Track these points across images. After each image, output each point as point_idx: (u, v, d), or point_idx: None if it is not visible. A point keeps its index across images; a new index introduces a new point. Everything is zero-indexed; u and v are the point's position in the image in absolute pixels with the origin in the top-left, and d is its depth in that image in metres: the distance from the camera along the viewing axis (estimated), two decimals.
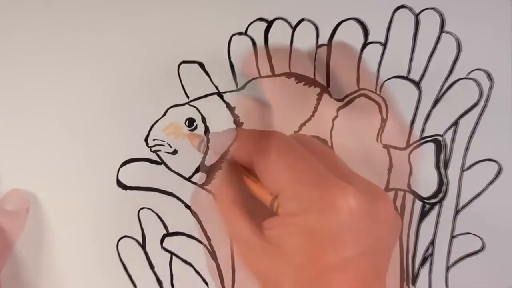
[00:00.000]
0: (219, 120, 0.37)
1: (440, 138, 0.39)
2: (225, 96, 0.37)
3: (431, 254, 0.39)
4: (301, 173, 0.25)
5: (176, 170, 0.37)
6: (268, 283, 0.24)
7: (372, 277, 0.24)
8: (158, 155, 0.37)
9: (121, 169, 0.37)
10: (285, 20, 0.38)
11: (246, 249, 0.25)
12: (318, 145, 0.28)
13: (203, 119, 0.37)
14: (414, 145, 0.38)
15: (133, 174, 0.37)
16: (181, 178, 0.37)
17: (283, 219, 0.25)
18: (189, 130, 0.37)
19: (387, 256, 0.26)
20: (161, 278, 0.37)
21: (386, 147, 0.38)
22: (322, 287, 0.23)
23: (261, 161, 0.26)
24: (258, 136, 0.27)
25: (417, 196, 0.38)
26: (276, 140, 0.26)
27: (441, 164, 0.39)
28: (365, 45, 0.38)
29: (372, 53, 0.38)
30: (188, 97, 0.37)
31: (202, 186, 0.37)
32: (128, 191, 0.37)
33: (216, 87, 0.38)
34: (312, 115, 0.38)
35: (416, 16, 0.38)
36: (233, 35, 0.38)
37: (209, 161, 0.37)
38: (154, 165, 0.37)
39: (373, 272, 0.25)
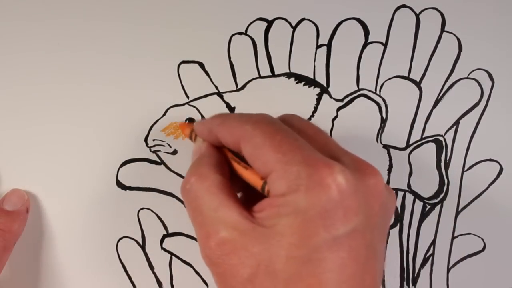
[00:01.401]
0: None
1: (441, 138, 0.38)
2: (225, 96, 0.37)
3: (432, 255, 0.39)
4: (288, 153, 0.24)
5: (176, 170, 0.37)
6: (261, 266, 0.24)
7: (367, 254, 0.24)
8: (158, 155, 0.37)
9: (121, 169, 0.37)
10: (285, 20, 0.38)
11: (236, 233, 0.25)
12: (306, 124, 0.28)
13: (203, 119, 0.37)
14: (415, 145, 0.38)
15: (133, 174, 0.37)
16: (181, 178, 0.37)
17: (272, 200, 0.24)
18: None
19: (382, 233, 0.26)
20: (160, 278, 0.37)
21: (386, 147, 0.38)
22: (316, 267, 0.23)
23: (248, 145, 0.26)
24: (244, 119, 0.27)
25: (417, 196, 0.38)
26: (261, 122, 0.26)
27: (442, 164, 0.38)
28: (365, 45, 0.38)
29: (372, 53, 0.38)
30: (188, 97, 0.37)
31: None
32: (128, 191, 0.37)
33: (216, 87, 0.38)
34: (312, 115, 0.38)
35: (417, 15, 0.38)
36: (233, 35, 0.37)
37: None
38: (154, 165, 0.37)
39: (367, 249, 0.24)
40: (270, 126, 0.26)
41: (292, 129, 0.26)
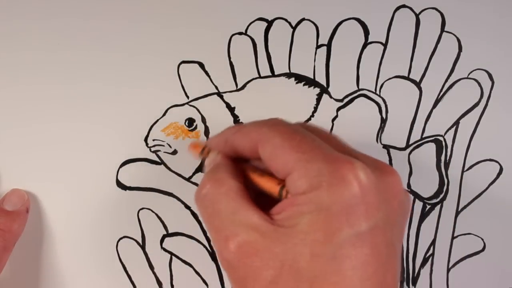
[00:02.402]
0: (219, 120, 0.37)
1: (441, 138, 0.38)
2: (225, 96, 0.37)
3: (432, 255, 0.39)
4: (308, 152, 0.24)
5: (176, 170, 0.37)
6: (284, 267, 0.24)
7: (388, 252, 0.24)
8: (158, 155, 0.37)
9: (121, 169, 0.37)
10: (285, 20, 0.38)
11: (257, 236, 0.24)
12: (320, 129, 0.28)
13: (203, 119, 0.37)
14: (414, 145, 0.38)
15: (133, 174, 0.37)
16: (181, 178, 0.37)
17: (293, 199, 0.24)
18: (189, 130, 0.37)
19: (400, 231, 0.26)
20: (160, 278, 0.37)
21: (386, 147, 0.38)
22: (340, 264, 0.23)
23: (267, 146, 0.26)
24: (260, 124, 0.27)
25: (417, 196, 0.38)
26: (278, 124, 0.26)
27: (442, 164, 0.38)
28: (365, 45, 0.38)
29: (372, 53, 0.38)
30: (188, 97, 0.37)
31: None
32: (128, 191, 0.37)
33: (216, 87, 0.38)
34: (312, 115, 0.38)
35: (417, 15, 0.38)
36: (233, 35, 0.37)
37: None
38: (154, 165, 0.37)
39: (388, 247, 0.24)
40: (288, 128, 0.26)
41: None
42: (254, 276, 0.24)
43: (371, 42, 0.38)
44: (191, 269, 0.38)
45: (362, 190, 0.23)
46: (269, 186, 0.27)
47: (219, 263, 0.26)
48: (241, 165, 0.29)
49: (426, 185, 0.38)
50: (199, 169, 0.37)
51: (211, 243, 0.26)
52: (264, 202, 0.27)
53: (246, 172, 0.28)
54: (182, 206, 0.37)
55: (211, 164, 0.29)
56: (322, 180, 0.23)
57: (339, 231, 0.23)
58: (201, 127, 0.37)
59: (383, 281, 0.24)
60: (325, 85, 0.38)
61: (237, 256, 0.25)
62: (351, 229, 0.23)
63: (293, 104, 0.38)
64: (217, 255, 0.26)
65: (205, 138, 0.37)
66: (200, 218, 0.27)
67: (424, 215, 0.38)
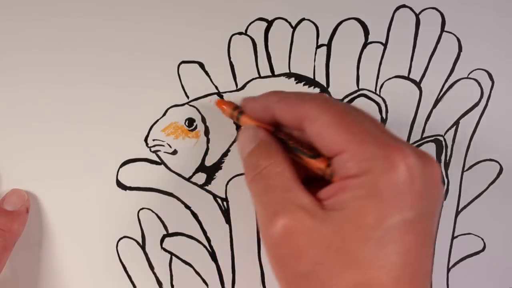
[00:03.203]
0: (219, 120, 0.37)
1: (441, 138, 0.38)
2: (225, 96, 0.37)
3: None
4: (359, 134, 0.24)
5: (176, 170, 0.37)
6: (331, 248, 0.24)
7: (426, 241, 0.25)
8: (158, 155, 0.37)
9: (121, 169, 0.37)
10: (285, 20, 0.38)
11: (307, 216, 0.24)
12: (364, 112, 0.28)
13: (203, 119, 0.37)
14: (415, 145, 0.38)
15: (133, 174, 0.37)
16: (181, 178, 0.37)
17: (343, 183, 0.24)
18: (189, 130, 0.37)
19: (437, 221, 0.26)
20: (161, 278, 0.37)
21: None
22: (388, 248, 0.23)
23: (315, 123, 0.25)
24: (307, 98, 0.26)
25: None
26: (327, 102, 0.26)
27: (442, 164, 0.38)
28: (365, 45, 0.38)
29: (372, 53, 0.38)
30: (188, 97, 0.37)
31: (202, 186, 0.37)
32: (128, 191, 0.37)
33: (216, 87, 0.38)
34: None
35: (417, 15, 0.38)
36: (233, 35, 0.37)
37: (209, 161, 0.37)
38: (154, 165, 0.37)
39: (428, 235, 0.25)
40: (338, 106, 0.26)
41: None
42: (298, 255, 0.24)
43: (371, 42, 0.38)
44: (191, 269, 0.38)
45: (411, 178, 0.23)
46: (314, 162, 0.26)
47: (262, 239, 0.25)
48: (282, 140, 0.28)
49: None
50: (199, 169, 0.37)
51: (257, 218, 0.26)
52: (306, 179, 0.27)
53: (290, 150, 0.28)
54: (182, 206, 0.37)
55: (254, 139, 0.29)
56: (374, 165, 0.23)
57: (389, 216, 0.23)
58: (201, 127, 0.37)
59: (421, 268, 0.24)
60: (325, 85, 0.38)
61: (284, 233, 0.24)
62: (400, 215, 0.23)
63: None
64: (260, 231, 0.25)
65: (205, 138, 0.37)
66: (250, 197, 0.26)
67: None
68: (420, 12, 0.38)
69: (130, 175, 0.37)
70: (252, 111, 0.29)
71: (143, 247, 0.37)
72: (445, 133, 0.38)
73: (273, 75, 0.38)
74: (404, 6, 0.38)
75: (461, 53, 0.38)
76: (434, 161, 0.25)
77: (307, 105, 0.26)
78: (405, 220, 0.23)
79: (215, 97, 0.37)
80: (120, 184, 0.37)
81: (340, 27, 0.38)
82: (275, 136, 0.29)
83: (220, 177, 0.37)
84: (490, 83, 0.38)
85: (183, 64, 0.37)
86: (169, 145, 0.37)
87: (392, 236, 0.23)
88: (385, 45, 0.38)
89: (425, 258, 0.25)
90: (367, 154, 0.24)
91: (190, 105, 0.37)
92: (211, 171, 0.37)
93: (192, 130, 0.37)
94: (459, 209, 0.39)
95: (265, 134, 0.29)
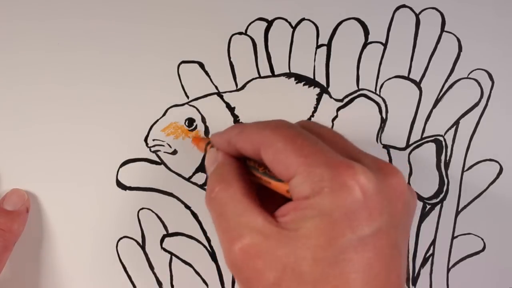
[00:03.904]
0: (219, 120, 0.37)
1: (441, 138, 0.38)
2: (225, 96, 0.37)
3: (432, 255, 0.39)
4: (310, 156, 0.24)
5: (176, 170, 0.37)
6: (287, 270, 0.24)
7: (392, 253, 0.24)
8: (158, 155, 0.37)
9: (121, 169, 0.37)
10: (285, 20, 0.38)
11: (261, 237, 0.25)
12: (324, 129, 0.28)
13: (203, 119, 0.37)
14: (414, 145, 0.38)
15: (133, 174, 0.37)
16: (181, 178, 0.37)
17: (296, 203, 0.24)
18: (189, 130, 0.37)
19: (405, 231, 0.26)
20: (160, 278, 0.37)
21: (386, 147, 0.38)
22: (343, 268, 0.23)
23: (269, 150, 0.26)
24: (262, 126, 0.27)
25: (417, 196, 0.38)
26: (281, 127, 0.26)
27: (442, 164, 0.38)
28: (365, 45, 0.38)
29: (372, 53, 0.38)
30: (188, 97, 0.37)
31: (202, 186, 0.37)
32: (128, 191, 0.37)
33: (216, 87, 0.38)
34: (312, 115, 0.38)
35: (417, 15, 0.38)
36: (233, 35, 0.37)
37: None
38: (154, 165, 0.37)
39: (392, 248, 0.24)
40: (290, 130, 0.26)
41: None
42: (258, 278, 0.25)
43: (371, 42, 0.38)
44: (191, 269, 0.38)
45: (364, 195, 0.23)
46: (276, 185, 0.27)
47: (226, 264, 0.26)
48: (244, 160, 0.29)
49: (426, 185, 0.38)
50: (199, 169, 0.37)
51: (220, 243, 0.26)
52: (269, 197, 0.27)
53: (250, 169, 0.28)
54: (182, 206, 0.37)
55: (213, 162, 0.29)
56: (324, 186, 0.23)
57: (341, 236, 0.23)
58: (201, 127, 0.37)
59: (387, 282, 0.24)
60: (325, 85, 0.38)
61: (242, 258, 0.25)
62: (353, 234, 0.23)
63: (293, 104, 0.38)
64: (223, 256, 0.26)
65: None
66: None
67: (424, 215, 0.38)
68: (420, 12, 0.38)
69: (130, 175, 0.37)
70: (218, 146, 0.30)
71: (143, 247, 0.37)
72: (445, 133, 0.38)
73: (273, 75, 0.38)
74: (404, 6, 0.38)
75: (461, 53, 0.38)
76: (395, 172, 0.25)
77: (262, 133, 0.26)
78: (361, 238, 0.23)
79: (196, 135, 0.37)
80: (120, 184, 0.37)
81: (340, 27, 0.38)
82: (239, 161, 0.29)
83: None
84: (490, 83, 0.38)
85: (183, 64, 0.37)
86: (169, 145, 0.37)
87: (347, 255, 0.23)
88: (385, 45, 0.38)
89: (391, 270, 0.24)
90: (317, 176, 0.24)
91: (190, 105, 0.37)
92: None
93: (192, 130, 0.37)
94: (459, 209, 0.39)
95: (223, 157, 0.29)
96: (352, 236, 0.23)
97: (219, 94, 0.37)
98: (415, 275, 0.38)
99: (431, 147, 0.38)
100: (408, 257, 0.38)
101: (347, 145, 0.27)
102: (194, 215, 0.37)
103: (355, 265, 0.23)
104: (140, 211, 0.37)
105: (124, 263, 0.37)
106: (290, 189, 0.25)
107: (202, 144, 0.32)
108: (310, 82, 0.38)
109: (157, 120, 0.37)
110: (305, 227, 0.24)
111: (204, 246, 0.37)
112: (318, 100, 0.38)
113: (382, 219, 0.24)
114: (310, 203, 0.24)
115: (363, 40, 0.38)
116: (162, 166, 0.37)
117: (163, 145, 0.37)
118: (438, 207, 0.38)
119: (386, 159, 0.38)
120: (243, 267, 0.25)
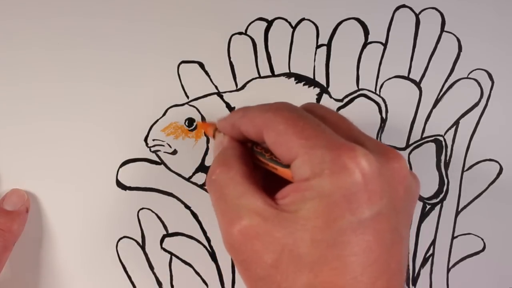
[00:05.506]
0: None
1: (440, 138, 0.38)
2: (225, 96, 0.37)
3: (432, 255, 0.39)
4: (311, 138, 0.24)
5: (176, 170, 0.37)
6: (285, 251, 0.24)
7: (392, 238, 0.24)
8: (157, 155, 0.37)
9: (121, 169, 0.37)
10: (285, 20, 0.38)
11: (259, 219, 0.24)
12: (329, 111, 0.28)
13: (203, 119, 0.37)
14: (414, 145, 0.38)
15: (133, 174, 0.37)
16: (181, 178, 0.37)
17: (297, 185, 0.24)
18: (189, 130, 0.37)
19: (406, 217, 0.26)
20: (160, 279, 0.37)
21: None
22: (341, 250, 0.23)
23: (271, 132, 0.26)
24: (265, 108, 0.27)
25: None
26: (283, 109, 0.26)
27: (442, 164, 0.38)
28: (365, 45, 0.38)
29: (372, 53, 0.38)
30: (188, 97, 0.37)
31: (202, 186, 0.37)
32: (128, 191, 0.37)
33: (216, 87, 0.38)
34: None
35: (417, 15, 0.38)
36: (233, 34, 0.38)
37: (209, 161, 0.37)
38: (154, 165, 0.37)
39: (392, 233, 0.24)
40: (292, 113, 0.26)
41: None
42: (256, 259, 0.24)
43: (371, 42, 0.38)
44: (191, 269, 0.38)
45: (364, 178, 0.23)
46: (286, 173, 0.26)
47: (224, 245, 0.26)
48: (250, 146, 0.29)
49: (426, 185, 0.38)
50: (199, 169, 0.37)
51: (219, 225, 0.26)
52: (274, 181, 0.27)
53: (256, 155, 0.28)
54: (182, 206, 0.37)
55: (219, 147, 0.30)
56: (324, 168, 0.23)
57: (340, 218, 0.23)
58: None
59: (387, 267, 0.24)
60: (325, 85, 0.38)
61: (240, 240, 0.25)
62: (353, 216, 0.23)
63: (293, 104, 0.38)
64: (222, 238, 0.26)
65: (205, 138, 0.37)
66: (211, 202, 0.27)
67: (424, 215, 0.38)
68: (420, 12, 0.38)
69: (130, 175, 0.37)
70: (224, 131, 0.30)
71: (143, 247, 0.37)
72: (445, 133, 0.38)
73: (273, 75, 0.38)
74: (404, 6, 0.38)
75: (461, 53, 0.38)
76: (397, 157, 0.25)
77: (264, 116, 0.26)
78: (361, 220, 0.23)
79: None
80: (120, 184, 0.37)
81: (340, 27, 0.38)
82: (242, 143, 0.29)
83: None
84: (490, 83, 0.38)
85: (183, 64, 0.37)
86: (169, 145, 0.37)
87: (346, 238, 0.23)
88: (385, 45, 0.38)
89: (392, 256, 0.24)
90: (317, 158, 0.24)
91: (190, 105, 0.37)
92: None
93: (192, 130, 0.37)
94: (459, 209, 0.39)
95: (228, 141, 0.29)
96: (351, 218, 0.23)
97: (219, 94, 0.37)
98: (415, 275, 0.38)
99: (431, 147, 0.38)
100: (408, 257, 0.38)
101: (351, 128, 0.27)
102: (194, 215, 0.37)
103: (354, 248, 0.23)
104: (140, 211, 0.37)
105: (124, 263, 0.37)
106: (291, 171, 0.25)
107: (210, 130, 0.32)
108: (310, 82, 0.38)
109: (157, 120, 0.37)
110: (304, 208, 0.24)
111: (204, 246, 0.37)
112: (318, 100, 0.38)
113: (382, 203, 0.24)
114: (310, 184, 0.24)
115: (363, 40, 0.38)
116: (162, 166, 0.37)
117: (163, 145, 0.37)
118: (438, 207, 0.38)
119: None
120: (241, 249, 0.25)
